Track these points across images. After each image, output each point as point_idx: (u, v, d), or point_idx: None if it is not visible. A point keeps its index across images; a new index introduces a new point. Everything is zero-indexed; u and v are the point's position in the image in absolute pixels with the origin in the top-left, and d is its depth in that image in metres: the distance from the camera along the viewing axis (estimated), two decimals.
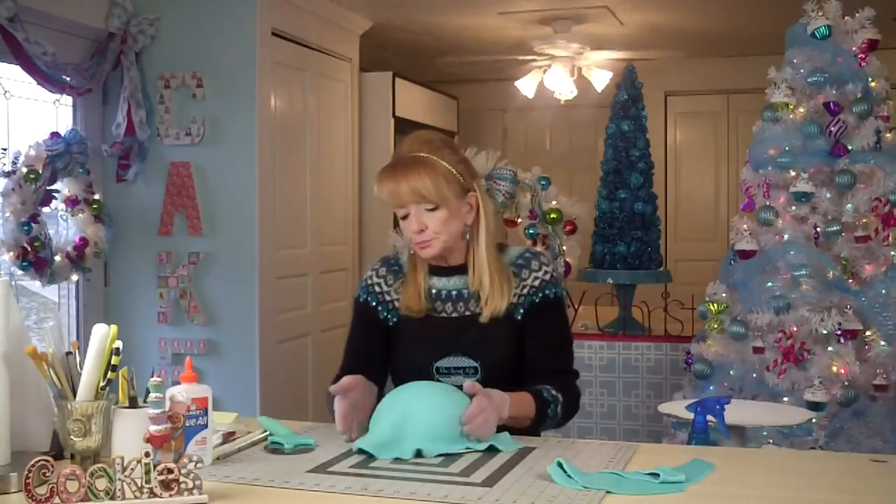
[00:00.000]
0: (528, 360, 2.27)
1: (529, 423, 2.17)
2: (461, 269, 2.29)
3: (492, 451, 1.98)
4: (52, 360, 1.78)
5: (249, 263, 4.46)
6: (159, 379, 1.72)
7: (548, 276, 2.31)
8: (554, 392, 2.21)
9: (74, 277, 4.18)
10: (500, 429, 2.10)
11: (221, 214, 4.47)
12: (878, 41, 3.74)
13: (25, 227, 3.78)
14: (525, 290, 2.29)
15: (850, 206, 3.58)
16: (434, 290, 2.30)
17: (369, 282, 2.40)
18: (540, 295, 2.30)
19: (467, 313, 2.27)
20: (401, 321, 2.33)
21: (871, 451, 3.19)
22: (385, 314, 2.36)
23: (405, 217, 2.25)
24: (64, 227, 4.18)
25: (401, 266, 2.39)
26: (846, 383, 3.41)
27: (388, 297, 2.36)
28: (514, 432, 2.12)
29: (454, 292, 2.29)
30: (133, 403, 1.80)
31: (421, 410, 1.99)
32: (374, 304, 2.37)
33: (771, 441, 3.44)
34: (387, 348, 2.37)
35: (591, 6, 5.42)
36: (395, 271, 2.39)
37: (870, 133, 3.60)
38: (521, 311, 2.27)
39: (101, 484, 1.55)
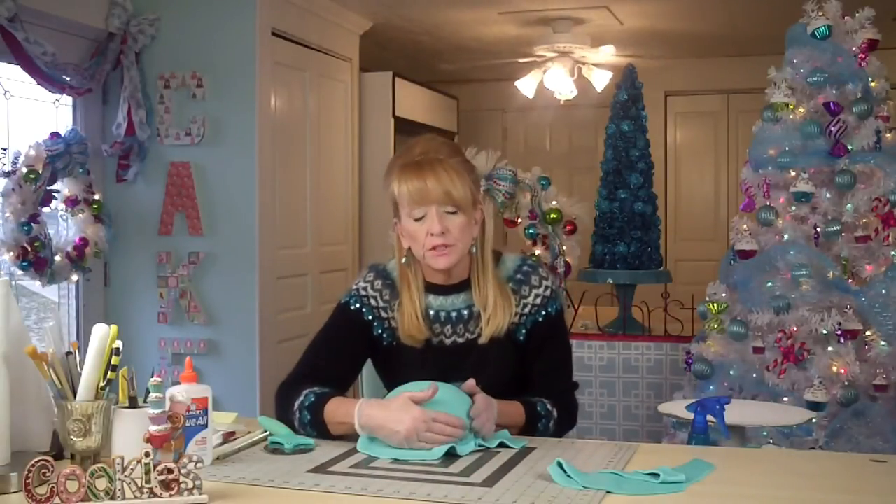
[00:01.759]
0: (532, 381, 2.24)
1: (517, 433, 2.13)
2: (461, 287, 2.23)
3: (500, 447, 1.99)
4: (51, 359, 1.78)
5: (249, 263, 4.46)
6: (159, 379, 1.72)
7: (548, 292, 2.26)
8: (549, 406, 2.19)
9: (74, 277, 4.18)
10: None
11: (221, 214, 4.48)
12: (878, 41, 3.74)
13: (25, 227, 3.78)
14: (526, 310, 2.24)
15: (850, 206, 3.58)
16: (432, 312, 2.23)
17: (363, 293, 2.29)
18: (542, 314, 2.25)
19: (467, 337, 2.22)
20: (398, 345, 2.25)
21: (871, 451, 3.19)
22: (380, 332, 2.27)
23: (420, 219, 2.15)
24: (64, 227, 4.18)
25: (393, 280, 2.29)
26: (846, 383, 3.41)
27: (384, 315, 2.27)
28: None
29: (454, 313, 2.23)
30: (133, 403, 1.80)
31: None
32: (368, 317, 2.27)
33: (771, 441, 3.44)
34: (359, 357, 2.31)
35: (590, 6, 5.43)
36: (390, 286, 2.29)
37: (870, 133, 3.59)
38: (524, 331, 2.22)
39: (101, 484, 1.55)
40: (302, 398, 2.11)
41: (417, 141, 2.22)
